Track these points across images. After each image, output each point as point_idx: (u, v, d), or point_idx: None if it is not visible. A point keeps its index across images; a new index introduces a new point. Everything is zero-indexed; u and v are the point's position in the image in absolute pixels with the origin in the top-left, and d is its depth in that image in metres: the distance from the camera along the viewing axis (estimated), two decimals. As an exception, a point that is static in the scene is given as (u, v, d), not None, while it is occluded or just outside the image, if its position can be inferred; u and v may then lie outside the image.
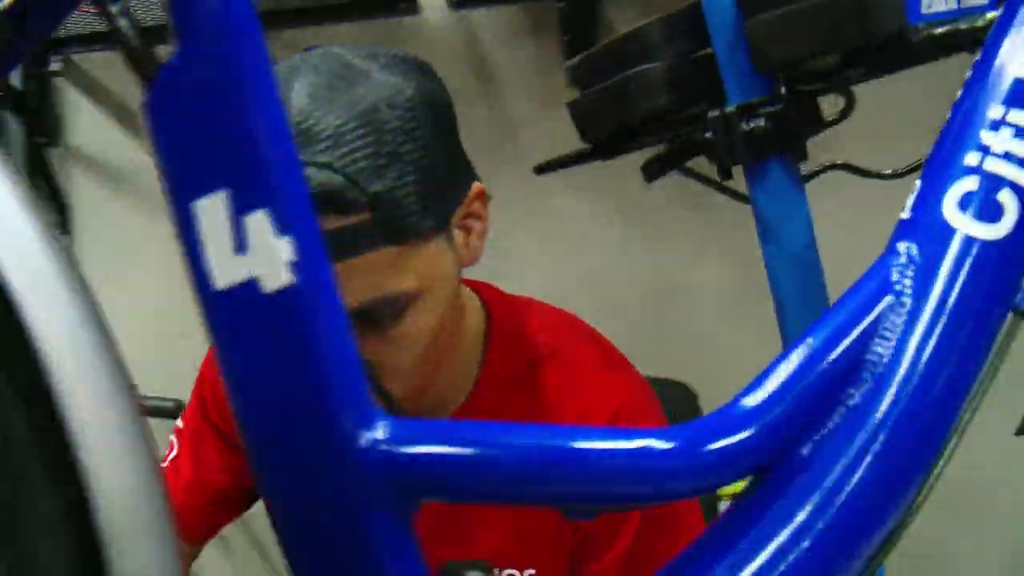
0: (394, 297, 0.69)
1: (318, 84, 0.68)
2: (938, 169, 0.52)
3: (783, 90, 0.69)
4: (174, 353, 1.41)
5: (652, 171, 0.77)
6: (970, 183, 0.50)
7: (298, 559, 0.42)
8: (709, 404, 1.39)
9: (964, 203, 0.50)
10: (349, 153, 0.66)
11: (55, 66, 2.08)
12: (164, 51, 0.42)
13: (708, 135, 0.71)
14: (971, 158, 0.51)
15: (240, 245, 0.40)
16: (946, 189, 0.50)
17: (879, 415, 0.46)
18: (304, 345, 0.40)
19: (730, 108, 0.69)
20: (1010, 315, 0.51)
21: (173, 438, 0.90)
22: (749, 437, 0.41)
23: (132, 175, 2.05)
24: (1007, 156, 0.50)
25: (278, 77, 0.69)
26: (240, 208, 0.40)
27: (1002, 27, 0.54)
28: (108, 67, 2.02)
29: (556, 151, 0.90)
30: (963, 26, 0.59)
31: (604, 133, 0.78)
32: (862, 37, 0.61)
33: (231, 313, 0.41)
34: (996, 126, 0.51)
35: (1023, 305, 0.50)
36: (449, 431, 0.42)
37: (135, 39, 0.40)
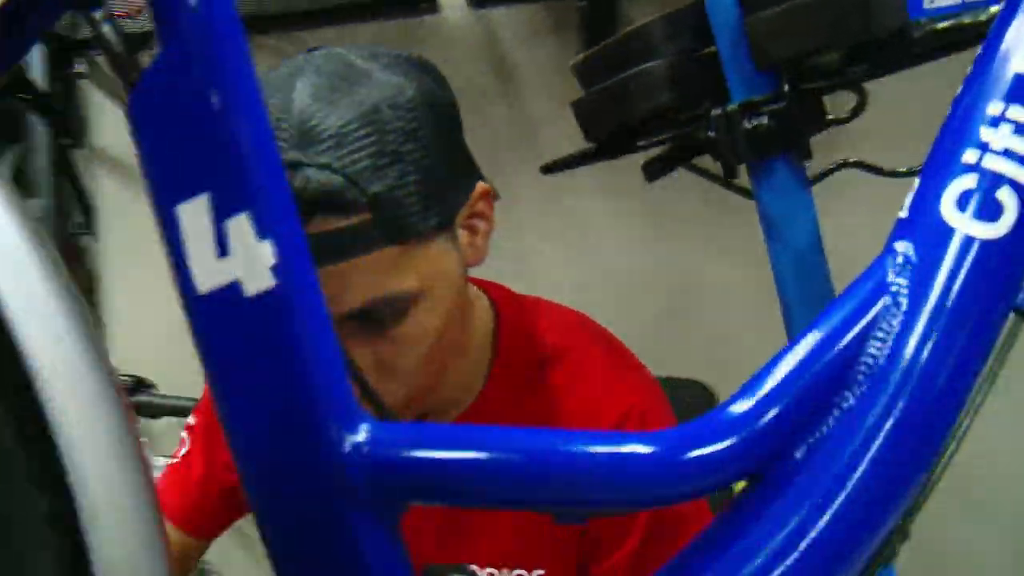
0: (395, 297, 0.69)
1: (320, 85, 0.68)
2: (936, 167, 0.51)
3: (786, 88, 0.68)
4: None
5: (653, 171, 0.77)
6: (968, 181, 0.49)
7: (283, 561, 0.42)
8: (727, 404, 1.38)
9: (962, 202, 0.49)
10: (350, 154, 0.66)
11: (80, 68, 2.11)
12: (149, 57, 0.42)
13: (711, 134, 0.70)
14: (969, 155, 0.50)
15: (222, 248, 0.40)
16: (944, 187, 0.49)
17: (874, 418, 0.46)
18: (286, 348, 0.41)
19: (732, 106, 0.69)
20: (1012, 315, 0.50)
21: (185, 434, 0.91)
22: (732, 445, 0.41)
23: (155, 176, 2.07)
24: (1007, 153, 0.49)
25: (281, 78, 0.70)
26: (222, 211, 0.40)
27: (1004, 21, 0.53)
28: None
29: (576, 150, 0.89)
30: (966, 20, 0.58)
31: (607, 132, 0.77)
32: (864, 33, 0.60)
33: (214, 316, 0.41)
34: (996, 122, 0.50)
35: (1024, 305, 0.49)
36: (432, 435, 0.42)
37: (118, 45, 0.40)
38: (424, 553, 0.85)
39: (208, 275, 0.41)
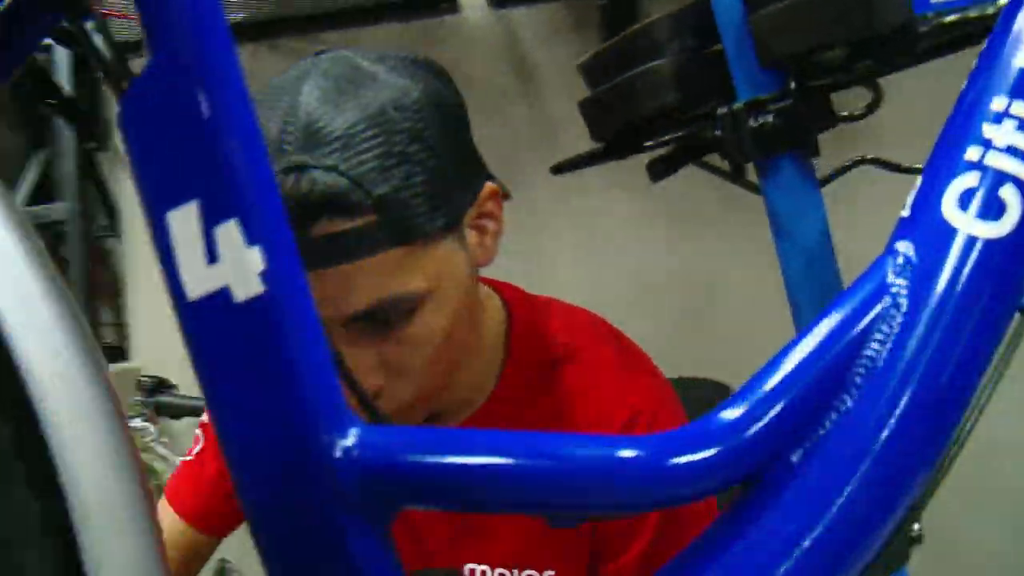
0: (401, 298, 0.69)
1: (326, 87, 0.69)
2: (938, 165, 0.50)
3: (792, 86, 0.67)
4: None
5: (658, 171, 0.76)
6: (971, 179, 0.48)
7: (275, 565, 0.42)
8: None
9: (964, 200, 0.48)
10: (355, 155, 0.66)
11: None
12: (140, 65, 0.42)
13: (717, 132, 0.69)
14: (972, 153, 0.49)
15: (212, 255, 0.41)
16: (946, 186, 0.49)
17: (872, 421, 0.45)
18: (275, 353, 0.41)
19: (738, 105, 0.68)
20: (1017, 315, 0.49)
21: (199, 432, 0.92)
22: (721, 451, 0.40)
23: (179, 179, 2.09)
24: (1010, 150, 0.48)
25: (289, 81, 0.70)
26: (211, 218, 0.40)
27: (1009, 14, 0.52)
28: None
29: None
30: (973, 14, 0.57)
31: (614, 132, 0.77)
32: (867, 29, 0.59)
33: (204, 323, 0.41)
34: (999, 119, 0.49)
35: (1030, 305, 0.48)
36: (423, 439, 0.42)
37: (109, 53, 0.41)
38: (436, 553, 0.85)
39: (198, 281, 0.41)
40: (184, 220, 0.41)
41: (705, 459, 0.40)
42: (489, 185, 0.77)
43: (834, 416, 0.45)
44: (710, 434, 0.41)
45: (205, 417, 0.93)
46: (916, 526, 0.74)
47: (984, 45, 0.53)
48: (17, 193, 2.29)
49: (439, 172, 0.69)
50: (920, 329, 0.46)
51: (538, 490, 0.39)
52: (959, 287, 0.46)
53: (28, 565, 0.39)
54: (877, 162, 0.85)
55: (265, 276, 0.40)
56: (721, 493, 0.45)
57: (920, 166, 0.81)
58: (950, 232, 0.48)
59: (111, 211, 2.14)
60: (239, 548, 0.97)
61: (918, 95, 1.20)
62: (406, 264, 0.69)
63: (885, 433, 0.45)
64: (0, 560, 0.39)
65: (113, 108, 2.24)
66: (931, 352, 0.46)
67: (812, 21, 0.62)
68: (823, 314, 0.48)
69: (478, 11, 2.25)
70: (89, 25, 0.41)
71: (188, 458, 0.93)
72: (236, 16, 2.15)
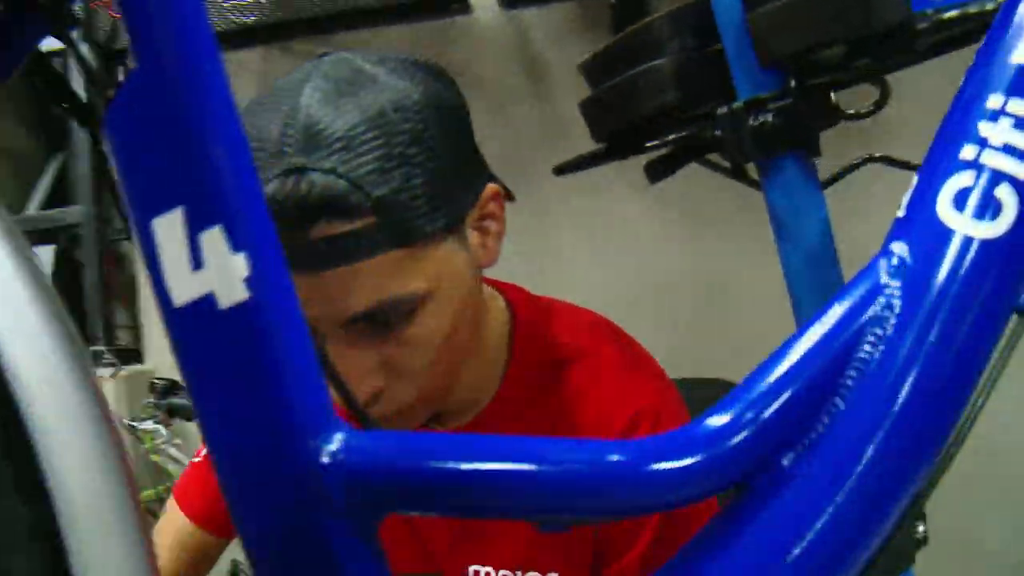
0: (401, 299, 0.69)
1: (327, 90, 0.69)
2: (934, 164, 0.49)
3: (793, 84, 0.66)
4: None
5: (656, 171, 0.76)
6: (966, 178, 0.48)
7: (262, 570, 0.42)
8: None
9: (959, 200, 0.47)
10: (354, 157, 0.66)
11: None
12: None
13: (717, 132, 0.69)
14: (968, 151, 0.48)
15: (197, 262, 0.41)
16: (941, 185, 0.48)
17: (865, 424, 0.44)
18: (260, 359, 0.41)
19: (738, 104, 0.67)
20: (1014, 316, 0.48)
21: None
22: (707, 458, 0.40)
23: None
24: (1006, 149, 0.47)
25: (290, 84, 0.70)
26: (196, 225, 0.40)
27: (1007, 10, 0.51)
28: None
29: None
30: (972, 10, 0.56)
31: (614, 132, 0.77)
32: (866, 26, 0.59)
33: (190, 329, 0.41)
34: (995, 117, 0.48)
35: (1027, 306, 0.47)
36: (408, 445, 0.42)
37: (95, 61, 0.41)
38: (438, 555, 0.85)
39: (183, 288, 0.41)
40: (169, 227, 0.41)
41: (689, 465, 0.40)
42: (491, 186, 0.76)
43: (826, 419, 0.45)
44: (696, 440, 0.41)
45: None
46: (921, 528, 0.74)
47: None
48: (33, 196, 2.32)
49: (439, 173, 0.69)
50: (914, 331, 0.45)
51: (521, 495, 0.39)
52: (954, 288, 0.46)
53: (15, 571, 0.39)
54: (885, 160, 0.84)
55: (250, 282, 0.40)
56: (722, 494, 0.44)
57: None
58: (945, 232, 0.47)
59: (126, 215, 2.15)
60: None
61: (933, 92, 1.19)
62: (406, 265, 0.69)
63: (878, 436, 0.44)
64: None
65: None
66: (925, 355, 0.45)
67: (810, 19, 0.61)
68: (816, 316, 0.48)
69: (489, 12, 2.25)
70: (74, 34, 0.41)
71: (197, 459, 0.93)
72: (248, 19, 2.16)
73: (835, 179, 0.84)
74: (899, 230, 0.49)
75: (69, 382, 0.41)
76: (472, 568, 0.85)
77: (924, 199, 0.48)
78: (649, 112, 0.72)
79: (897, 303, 0.46)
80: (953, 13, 0.57)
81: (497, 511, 0.43)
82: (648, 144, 0.78)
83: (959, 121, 0.49)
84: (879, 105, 0.75)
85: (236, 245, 0.40)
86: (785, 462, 0.44)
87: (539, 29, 2.22)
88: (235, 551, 0.99)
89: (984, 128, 0.48)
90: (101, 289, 2.15)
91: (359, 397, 0.69)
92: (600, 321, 0.91)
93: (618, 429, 0.80)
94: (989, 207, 0.47)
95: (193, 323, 0.41)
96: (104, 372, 2.00)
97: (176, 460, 1.67)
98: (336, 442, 0.41)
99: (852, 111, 0.75)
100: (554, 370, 0.84)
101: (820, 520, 0.44)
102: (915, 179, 0.51)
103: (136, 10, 0.41)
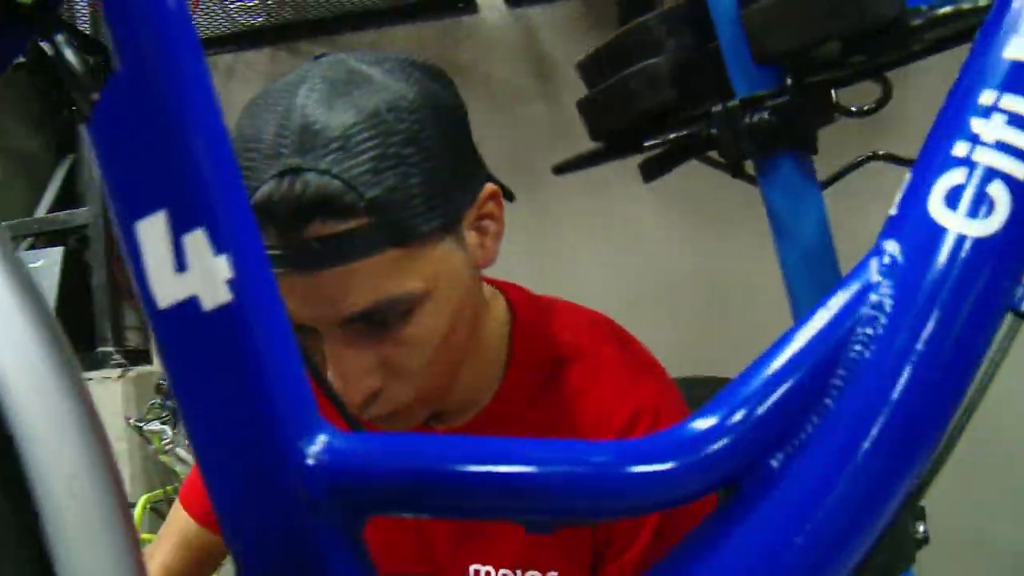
0: (398, 299, 0.69)
1: (323, 90, 0.69)
2: (926, 161, 0.49)
3: (789, 82, 0.65)
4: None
5: (651, 170, 0.75)
6: (958, 176, 0.47)
7: (246, 570, 0.42)
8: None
9: (951, 197, 0.47)
10: (349, 158, 0.66)
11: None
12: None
13: (713, 131, 0.68)
14: (960, 148, 0.47)
15: (180, 264, 0.41)
16: (933, 183, 0.47)
17: (854, 425, 0.44)
18: (244, 361, 0.41)
19: (733, 102, 0.67)
20: (1008, 316, 0.47)
21: None
22: (689, 461, 0.39)
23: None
24: (999, 146, 0.47)
25: (287, 85, 0.70)
26: (179, 227, 0.40)
27: (1001, 6, 0.50)
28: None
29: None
30: (966, 6, 0.55)
31: (612, 131, 0.76)
32: (860, 22, 0.58)
33: (174, 331, 0.41)
34: (987, 113, 0.47)
35: (1021, 305, 0.46)
36: (392, 446, 0.42)
37: (79, 65, 0.41)
38: (439, 554, 0.85)
39: (167, 290, 0.41)
40: (153, 229, 0.41)
41: (670, 469, 0.39)
42: (489, 186, 0.76)
43: (816, 420, 0.44)
44: (679, 443, 0.40)
45: None
46: (922, 528, 0.73)
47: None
48: (43, 198, 2.33)
49: (435, 173, 0.69)
50: (905, 331, 0.45)
51: (502, 497, 0.39)
52: (946, 288, 0.45)
53: None
54: (888, 158, 0.84)
55: (233, 284, 0.40)
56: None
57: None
58: (936, 230, 0.46)
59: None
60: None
61: (936, 89, 1.18)
62: (402, 265, 0.68)
63: (868, 438, 0.44)
64: None
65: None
66: (916, 354, 0.45)
67: (804, 15, 0.60)
68: (806, 316, 0.47)
69: (495, 11, 2.25)
70: (60, 38, 0.41)
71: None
72: (255, 20, 2.17)
73: (838, 177, 0.83)
74: (891, 228, 0.48)
75: (56, 388, 0.41)
76: (472, 567, 0.85)
77: (916, 197, 0.48)
78: (646, 111, 0.71)
79: (888, 302, 0.46)
80: (947, 9, 0.56)
81: (479, 512, 0.43)
82: (647, 143, 0.78)
83: (952, 118, 0.49)
84: (881, 103, 0.74)
85: (219, 247, 0.40)
86: (774, 463, 0.44)
87: (545, 28, 2.22)
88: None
89: (976, 125, 0.48)
90: (109, 290, 2.17)
91: (357, 397, 0.69)
92: (600, 320, 0.91)
93: (617, 427, 0.80)
94: (982, 205, 0.46)
95: (177, 325, 0.41)
96: (112, 373, 2.01)
97: (184, 461, 1.68)
98: (320, 443, 0.41)
99: (854, 108, 0.74)
100: (554, 369, 0.84)
101: (809, 521, 0.43)
102: (908, 176, 0.50)
103: (119, 12, 0.41)
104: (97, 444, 0.42)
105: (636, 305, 1.95)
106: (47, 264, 2.20)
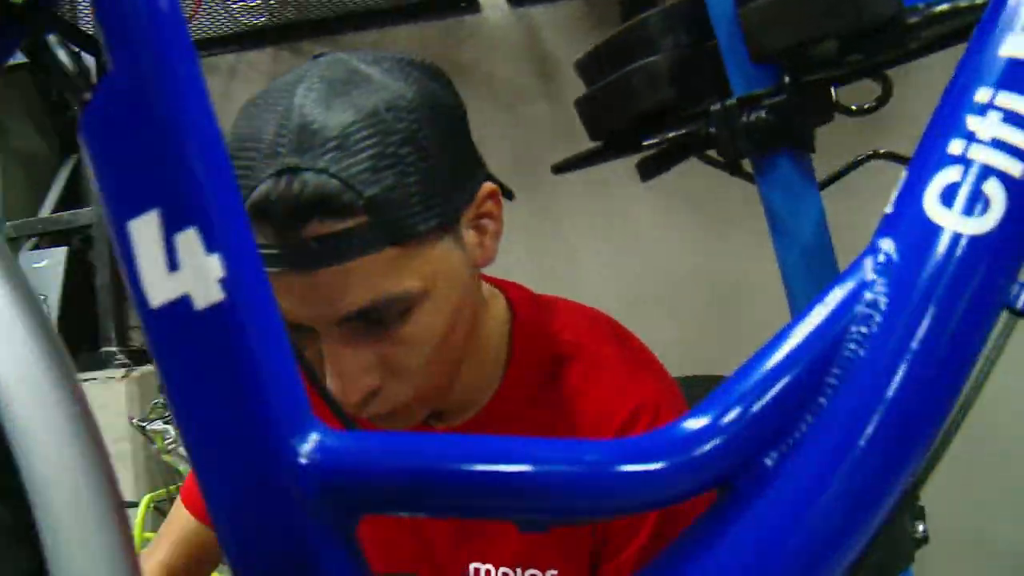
0: (395, 298, 0.69)
1: (321, 89, 0.69)
2: (922, 159, 0.48)
3: (787, 80, 0.65)
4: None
5: (648, 169, 0.75)
6: (954, 174, 0.47)
7: (239, 569, 0.42)
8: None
9: (947, 195, 0.47)
10: (347, 157, 0.66)
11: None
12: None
13: (711, 130, 0.68)
14: (955, 146, 0.47)
15: (172, 263, 0.41)
16: (928, 181, 0.47)
17: (849, 424, 0.44)
18: (236, 360, 0.41)
19: (731, 101, 0.67)
20: (1004, 314, 0.47)
21: None
22: (680, 460, 0.39)
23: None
24: (994, 143, 0.47)
25: (286, 84, 0.70)
26: (171, 226, 0.40)
27: (997, 4, 0.50)
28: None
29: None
30: (963, 4, 0.55)
31: (610, 130, 0.76)
32: (857, 20, 0.58)
33: (167, 330, 0.41)
34: (983, 110, 0.47)
35: (1017, 303, 0.46)
36: (384, 445, 0.42)
37: (72, 65, 0.41)
38: (439, 552, 0.85)
39: (160, 289, 0.41)
40: (145, 228, 0.41)
41: (660, 469, 0.39)
42: (488, 185, 0.76)
43: (810, 419, 0.44)
44: (671, 442, 0.40)
45: None
46: (921, 527, 0.73)
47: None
48: (47, 198, 2.34)
49: (433, 173, 0.69)
50: (899, 329, 0.45)
51: (493, 496, 0.38)
52: (941, 286, 0.45)
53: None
54: (889, 156, 0.83)
55: (225, 283, 0.40)
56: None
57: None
58: (932, 229, 0.46)
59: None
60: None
61: (938, 87, 1.18)
62: (399, 264, 0.68)
63: (862, 436, 0.44)
64: None
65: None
66: (911, 353, 0.45)
67: (801, 14, 0.60)
68: (801, 315, 0.47)
69: (498, 11, 2.25)
70: (52, 38, 0.41)
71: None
72: (258, 20, 2.17)
73: (839, 176, 0.83)
74: (886, 226, 0.48)
75: (48, 384, 0.41)
76: (472, 566, 0.85)
77: (912, 195, 0.48)
78: (644, 109, 0.71)
79: (883, 300, 0.46)
80: (944, 7, 0.56)
81: (470, 511, 0.43)
82: (645, 142, 0.78)
83: (947, 115, 0.49)
84: (882, 101, 0.74)
85: (211, 246, 0.40)
86: (768, 462, 0.44)
87: (548, 27, 2.22)
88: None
89: (972, 122, 0.47)
90: (113, 290, 2.17)
91: (355, 396, 0.70)
92: (601, 318, 0.91)
93: (617, 425, 0.80)
94: (977, 203, 0.46)
95: (170, 324, 0.41)
96: (116, 373, 2.01)
97: (187, 460, 1.68)
98: (312, 442, 0.41)
99: (855, 107, 0.74)
100: (554, 368, 0.84)
101: (804, 520, 0.43)
102: (903, 174, 0.50)
103: (110, 12, 0.41)
104: (93, 447, 0.42)
105: (637, 304, 1.95)
106: (51, 264, 2.20)
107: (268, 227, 0.65)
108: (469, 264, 0.75)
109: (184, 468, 1.70)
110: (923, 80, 1.10)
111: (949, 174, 0.47)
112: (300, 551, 0.41)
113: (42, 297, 2.11)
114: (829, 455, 0.44)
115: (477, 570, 0.84)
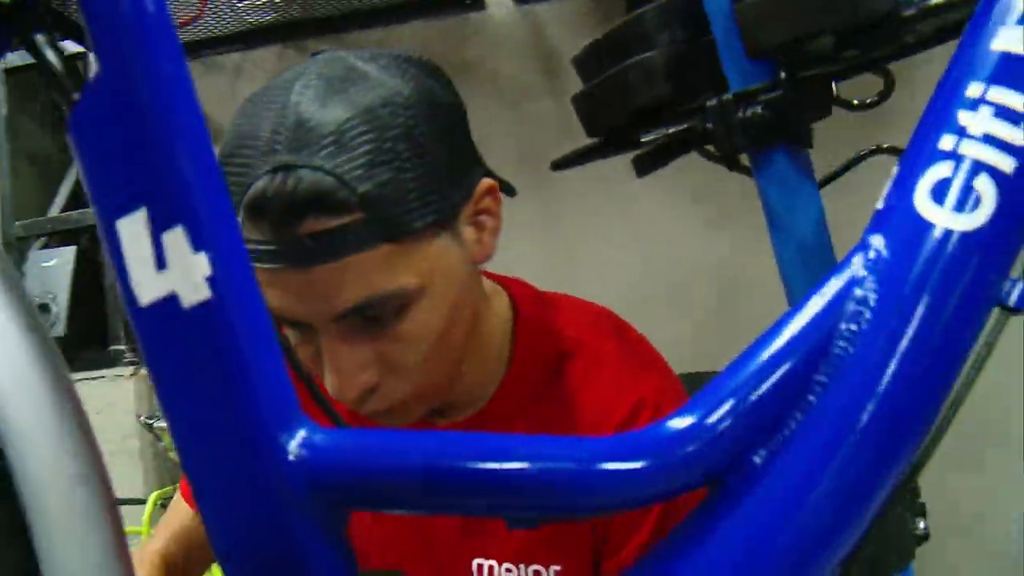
0: (391, 295, 0.69)
1: (318, 87, 0.69)
2: (913, 155, 0.48)
3: (783, 76, 0.65)
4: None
5: (644, 165, 0.75)
6: (945, 169, 0.46)
7: (227, 565, 0.42)
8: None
9: (938, 191, 0.46)
10: (342, 153, 0.66)
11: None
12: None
13: (708, 125, 0.68)
14: (946, 142, 0.47)
15: (160, 262, 0.41)
16: (919, 176, 0.47)
17: (838, 421, 0.44)
18: (223, 358, 0.41)
19: (727, 96, 0.66)
20: (996, 310, 0.47)
21: None
22: (665, 459, 0.39)
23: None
24: (986, 139, 0.46)
25: (284, 82, 0.70)
26: (159, 225, 0.41)
27: (990, -2, 0.50)
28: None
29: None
30: (959, -2, 0.55)
31: (607, 126, 0.76)
32: (853, 15, 0.58)
33: (155, 329, 0.42)
34: (975, 105, 0.47)
35: (1008, 300, 0.46)
36: (371, 442, 0.42)
37: (59, 66, 0.41)
38: (441, 550, 0.86)
39: (148, 288, 0.41)
40: (133, 227, 0.41)
41: (643, 467, 0.39)
42: (486, 181, 0.76)
43: (799, 416, 0.44)
44: (657, 441, 0.40)
45: None
46: (922, 524, 0.73)
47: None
48: (55, 198, 2.35)
49: (430, 169, 0.69)
50: (889, 327, 0.45)
51: (476, 493, 0.39)
52: (931, 283, 0.45)
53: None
54: (892, 151, 0.83)
55: (212, 282, 0.41)
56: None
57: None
58: (922, 225, 0.46)
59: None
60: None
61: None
62: (395, 261, 0.69)
63: (851, 434, 0.43)
64: None
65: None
66: (901, 351, 0.44)
67: (797, 9, 0.60)
68: (791, 312, 0.47)
69: (503, 8, 2.25)
70: (40, 38, 0.41)
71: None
72: (263, 18, 2.17)
73: (842, 171, 0.82)
74: (877, 223, 0.48)
75: (41, 386, 0.41)
76: (476, 562, 0.85)
77: (902, 191, 0.48)
78: (641, 105, 0.71)
79: (872, 297, 0.45)
80: (939, 0, 0.56)
81: (456, 508, 0.43)
82: (644, 139, 0.77)
83: (939, 110, 0.48)
84: (884, 95, 0.74)
85: (198, 245, 0.41)
86: (757, 460, 0.44)
87: (553, 24, 2.22)
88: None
89: (964, 117, 0.47)
90: (121, 289, 2.18)
91: (352, 392, 0.70)
92: (604, 315, 0.91)
93: (618, 422, 0.80)
94: (968, 199, 0.46)
95: (158, 322, 0.42)
96: (124, 371, 2.02)
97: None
98: (300, 439, 0.41)
99: (856, 102, 0.74)
100: (557, 365, 0.84)
101: (793, 517, 0.43)
102: (895, 169, 0.50)
103: (97, 12, 0.41)
104: (87, 448, 0.42)
105: (644, 301, 1.95)
106: (60, 263, 2.21)
107: (264, 224, 0.65)
108: (467, 261, 0.75)
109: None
110: (926, 75, 1.09)
111: (940, 170, 0.47)
112: (288, 547, 0.41)
113: (51, 296, 2.12)
114: (819, 453, 0.43)
115: (480, 566, 0.85)
